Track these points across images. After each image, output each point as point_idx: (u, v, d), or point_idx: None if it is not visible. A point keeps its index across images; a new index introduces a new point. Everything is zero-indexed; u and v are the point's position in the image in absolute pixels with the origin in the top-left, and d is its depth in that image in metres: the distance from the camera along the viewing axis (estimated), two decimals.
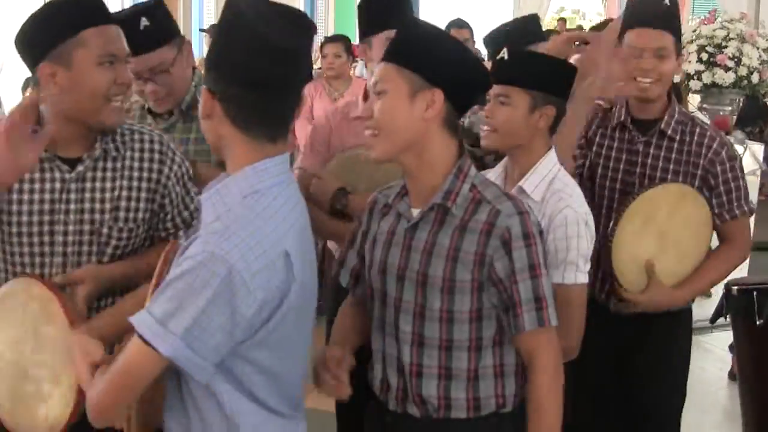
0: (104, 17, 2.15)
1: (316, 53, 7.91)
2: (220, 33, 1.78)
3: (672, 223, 2.77)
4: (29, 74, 2.23)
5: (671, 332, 2.96)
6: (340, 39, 6.39)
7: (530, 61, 2.52)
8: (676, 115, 2.91)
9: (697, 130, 2.89)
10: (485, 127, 2.49)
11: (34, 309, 2.07)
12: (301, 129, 5.29)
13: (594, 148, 3.03)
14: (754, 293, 3.06)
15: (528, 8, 15.23)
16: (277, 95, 1.76)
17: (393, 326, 2.06)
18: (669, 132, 2.89)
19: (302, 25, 1.79)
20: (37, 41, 2.13)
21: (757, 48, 5.29)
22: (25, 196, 2.21)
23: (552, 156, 2.44)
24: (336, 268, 2.28)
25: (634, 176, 2.92)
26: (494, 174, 2.52)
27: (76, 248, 2.25)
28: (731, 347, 5.07)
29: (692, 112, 2.96)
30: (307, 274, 1.83)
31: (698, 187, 2.84)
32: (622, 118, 2.96)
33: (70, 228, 2.22)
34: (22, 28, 2.16)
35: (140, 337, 1.66)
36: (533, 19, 3.62)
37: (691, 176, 2.86)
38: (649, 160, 2.91)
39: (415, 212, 2.05)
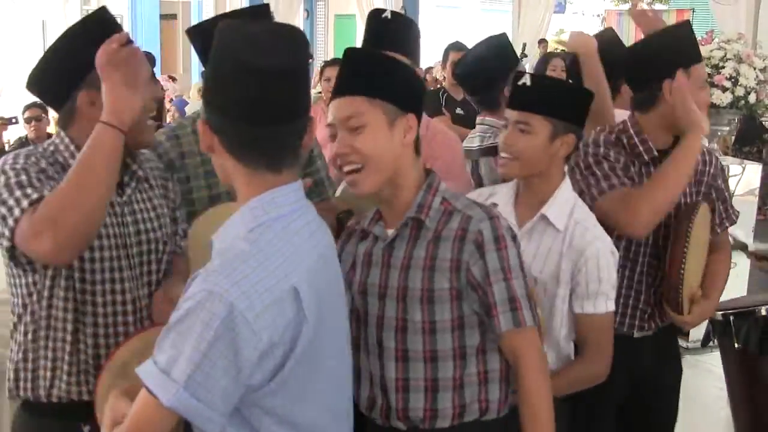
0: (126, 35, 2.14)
1: (315, 77, 7.91)
2: (211, 64, 1.69)
3: (698, 240, 2.82)
4: (28, 99, 2.25)
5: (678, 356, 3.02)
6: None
7: (552, 88, 2.52)
8: None
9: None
10: (504, 155, 2.47)
11: None
12: None
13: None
14: (731, 318, 3.08)
15: (527, 30, 15.30)
16: (271, 123, 1.67)
17: (376, 344, 2.07)
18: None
19: (294, 41, 1.71)
20: (66, 73, 2.12)
21: (754, 68, 5.32)
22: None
23: (568, 184, 2.48)
24: None
25: None
26: (503, 200, 2.53)
27: (144, 268, 2.27)
28: None
29: None
30: (329, 311, 1.74)
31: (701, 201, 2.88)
32: (654, 153, 2.80)
33: (134, 250, 2.24)
34: (40, 67, 2.15)
35: (147, 388, 1.58)
36: (505, 40, 3.66)
37: (697, 194, 2.90)
38: None
39: (390, 232, 2.07)
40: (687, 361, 3.34)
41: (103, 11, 2.21)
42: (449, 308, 2.01)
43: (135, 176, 2.26)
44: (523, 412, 2.04)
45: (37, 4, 14.64)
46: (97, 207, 1.97)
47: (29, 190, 1.99)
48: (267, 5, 2.62)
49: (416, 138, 2.06)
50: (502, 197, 2.54)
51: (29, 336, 2.18)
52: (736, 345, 3.05)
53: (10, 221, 1.97)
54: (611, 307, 2.42)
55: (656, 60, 2.75)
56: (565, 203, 2.44)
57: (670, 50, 2.75)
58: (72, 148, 2.14)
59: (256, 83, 1.62)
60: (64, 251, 1.95)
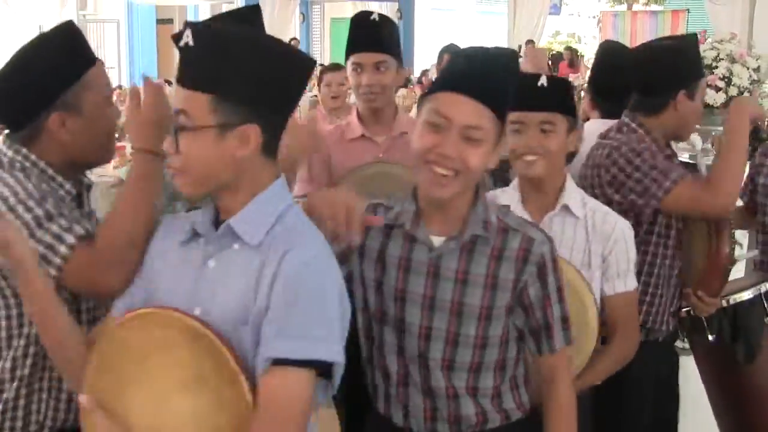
0: (93, 54, 2.13)
1: (312, 80, 7.92)
2: (259, 71, 1.68)
3: None
4: None
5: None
6: (342, 68, 6.32)
7: (563, 85, 2.57)
8: None
9: None
10: (531, 157, 2.45)
11: None
12: None
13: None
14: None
15: (523, 31, 15.38)
16: (290, 113, 1.78)
17: (417, 353, 2.04)
18: None
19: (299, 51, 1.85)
20: (34, 96, 2.03)
21: (748, 68, 5.38)
22: None
23: (570, 176, 2.56)
24: None
25: None
26: (511, 202, 2.53)
27: None
28: None
29: None
30: None
31: None
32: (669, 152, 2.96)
33: None
34: (3, 92, 2.05)
35: (294, 363, 1.62)
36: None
37: None
38: None
39: (437, 240, 2.01)
40: (688, 362, 3.37)
41: (68, 25, 2.13)
42: (502, 324, 2.03)
43: (89, 188, 2.23)
44: (555, 423, 2.10)
45: (33, 8, 14.70)
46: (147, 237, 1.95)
47: (64, 222, 1.93)
48: (257, 6, 2.61)
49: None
50: (508, 199, 2.55)
51: (26, 369, 2.05)
52: (709, 337, 3.09)
53: (57, 260, 1.90)
54: (636, 283, 2.55)
55: (675, 70, 2.83)
56: (576, 193, 2.52)
57: (688, 62, 2.88)
58: (42, 165, 2.06)
59: (303, 81, 1.77)
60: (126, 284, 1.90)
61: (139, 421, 1.75)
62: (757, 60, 5.43)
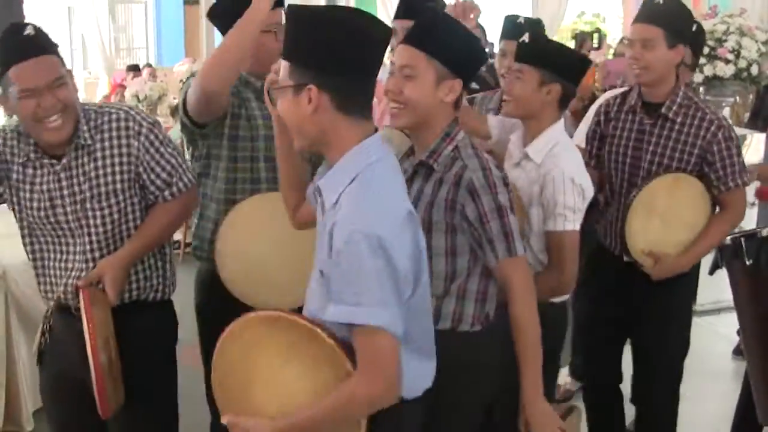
0: (24, 53, 2.48)
1: None
2: (317, 36, 1.96)
3: (672, 206, 3.20)
4: None
5: (672, 285, 3.34)
6: None
7: (545, 45, 2.93)
8: (679, 99, 3.24)
9: (699, 114, 3.22)
10: (505, 97, 2.93)
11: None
12: None
13: (610, 130, 3.41)
14: (741, 239, 3.40)
15: (547, 10, 15.37)
16: (369, 79, 2.02)
17: None
18: (670, 115, 3.24)
19: (375, 19, 2.07)
20: None
21: (756, 41, 5.50)
22: (30, 191, 2.65)
23: (558, 127, 2.88)
24: None
25: (640, 152, 3.30)
26: (515, 137, 2.99)
27: (77, 225, 2.65)
28: (739, 331, 5.29)
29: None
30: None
31: (696, 163, 3.21)
32: (633, 102, 3.34)
33: (68, 209, 2.63)
34: None
35: (365, 327, 1.89)
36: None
37: (688, 154, 3.21)
38: (654, 139, 3.28)
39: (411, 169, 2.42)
40: (696, 324, 3.69)
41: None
42: (443, 238, 2.36)
43: (80, 146, 2.62)
44: (513, 327, 2.38)
45: None
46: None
47: None
48: None
49: (460, 98, 2.39)
50: (515, 136, 2.99)
51: None
52: (747, 262, 3.37)
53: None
54: (570, 227, 2.78)
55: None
56: (547, 141, 2.85)
57: None
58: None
59: (368, 45, 2.00)
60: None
61: (268, 409, 2.06)
62: (766, 33, 5.54)
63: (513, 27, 3.88)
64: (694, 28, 3.57)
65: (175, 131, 6.14)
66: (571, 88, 2.88)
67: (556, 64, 2.84)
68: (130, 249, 2.65)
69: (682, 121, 3.22)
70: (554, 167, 2.78)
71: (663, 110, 3.24)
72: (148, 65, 12.66)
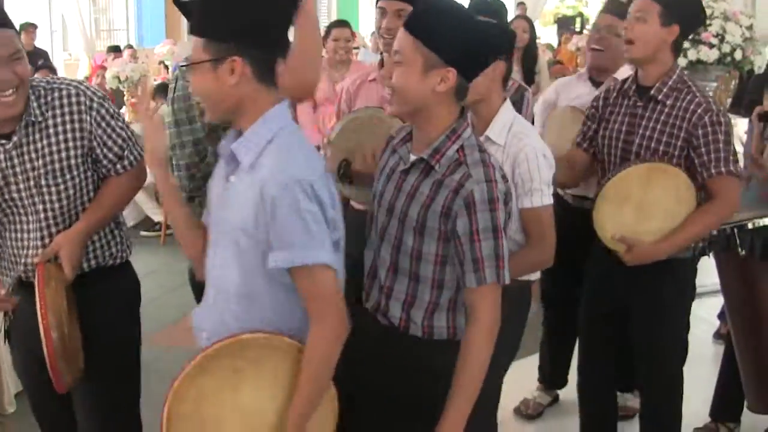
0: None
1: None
2: (229, 3, 2.03)
3: (649, 194, 3.14)
4: None
5: (659, 278, 3.32)
6: (348, 24, 6.51)
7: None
8: (671, 82, 3.21)
9: (688, 96, 3.18)
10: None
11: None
12: (304, 112, 5.46)
13: (606, 114, 3.40)
14: (735, 230, 3.41)
15: None
16: (280, 47, 2.12)
17: (378, 250, 2.39)
18: (660, 97, 3.21)
19: None
20: None
21: (740, 26, 5.48)
22: None
23: (507, 105, 2.86)
24: None
25: (633, 136, 3.28)
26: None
27: (31, 201, 2.65)
28: (720, 315, 5.32)
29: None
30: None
31: (682, 147, 3.16)
32: (626, 85, 3.32)
33: (22, 186, 2.64)
34: None
35: (301, 268, 2.03)
36: None
37: (675, 138, 3.17)
38: (644, 122, 3.25)
39: (412, 158, 2.33)
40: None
41: None
42: (435, 245, 2.27)
43: (30, 123, 2.61)
44: (459, 359, 2.26)
45: None
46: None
47: None
48: None
49: (460, 87, 2.28)
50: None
51: None
52: (741, 252, 3.39)
53: None
54: (547, 201, 2.83)
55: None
56: (504, 122, 2.84)
57: None
58: None
59: (281, 18, 2.12)
60: None
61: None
62: (749, 18, 5.53)
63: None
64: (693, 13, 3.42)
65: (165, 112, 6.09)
66: (509, 67, 2.90)
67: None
68: (85, 223, 2.67)
69: (672, 104, 3.19)
70: (524, 145, 2.78)
71: (653, 92, 3.21)
72: (129, 46, 12.58)
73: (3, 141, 2.62)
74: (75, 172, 2.67)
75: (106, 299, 2.79)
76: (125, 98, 8.84)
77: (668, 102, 3.20)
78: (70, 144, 2.64)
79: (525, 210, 2.80)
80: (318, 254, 2.02)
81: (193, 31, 2.08)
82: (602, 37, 4.09)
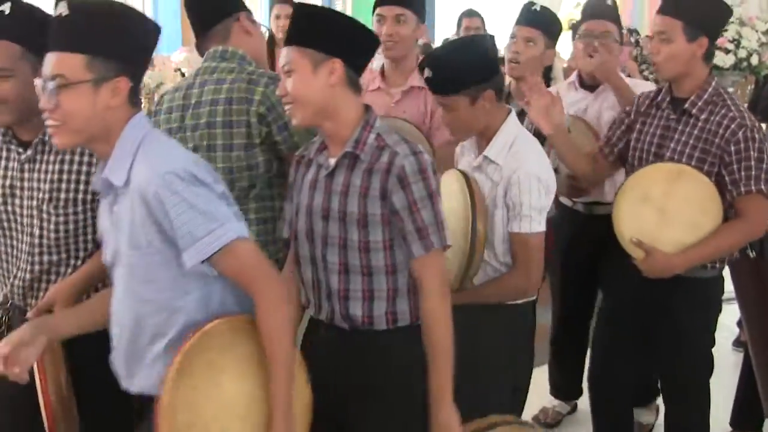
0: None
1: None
2: (113, 20, 2.02)
3: (671, 200, 3.05)
4: None
5: (684, 299, 3.25)
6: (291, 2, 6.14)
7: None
8: (706, 96, 3.12)
9: (723, 111, 3.09)
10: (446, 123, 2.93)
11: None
12: None
13: (638, 125, 3.31)
14: None
15: (543, 0, 15.31)
16: (146, 65, 2.13)
17: (322, 259, 2.40)
18: (694, 111, 3.13)
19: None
20: None
21: (756, 31, 5.46)
22: None
23: (511, 120, 2.83)
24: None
25: (663, 149, 3.19)
26: (469, 143, 2.96)
27: (30, 222, 2.56)
28: (739, 323, 5.28)
29: None
30: None
31: (713, 163, 3.07)
32: (659, 97, 3.24)
33: (25, 203, 2.56)
34: None
35: (220, 252, 2.00)
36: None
37: (708, 154, 3.09)
38: (676, 136, 3.17)
39: (332, 161, 2.38)
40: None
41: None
42: (380, 230, 2.33)
43: (47, 140, 2.52)
44: (424, 326, 2.35)
45: None
46: None
47: None
48: None
49: (352, 79, 2.35)
50: (469, 141, 2.97)
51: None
52: (751, 255, 3.36)
53: None
54: (536, 228, 2.77)
55: None
56: (505, 140, 2.81)
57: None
58: None
59: (151, 34, 2.14)
60: None
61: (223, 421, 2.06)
62: (766, 23, 5.50)
63: (528, 13, 3.85)
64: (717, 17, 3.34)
65: None
66: (499, 86, 2.84)
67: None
68: (82, 274, 2.55)
69: (706, 117, 3.11)
70: (518, 168, 2.74)
71: (687, 106, 3.14)
72: None
73: (20, 150, 2.57)
74: (80, 208, 2.56)
75: (96, 345, 2.48)
76: (142, 106, 8.84)
77: (702, 116, 3.11)
78: (82, 177, 2.55)
79: (513, 234, 2.78)
80: (226, 232, 2.00)
81: (68, 46, 1.99)
82: (603, 44, 3.90)
